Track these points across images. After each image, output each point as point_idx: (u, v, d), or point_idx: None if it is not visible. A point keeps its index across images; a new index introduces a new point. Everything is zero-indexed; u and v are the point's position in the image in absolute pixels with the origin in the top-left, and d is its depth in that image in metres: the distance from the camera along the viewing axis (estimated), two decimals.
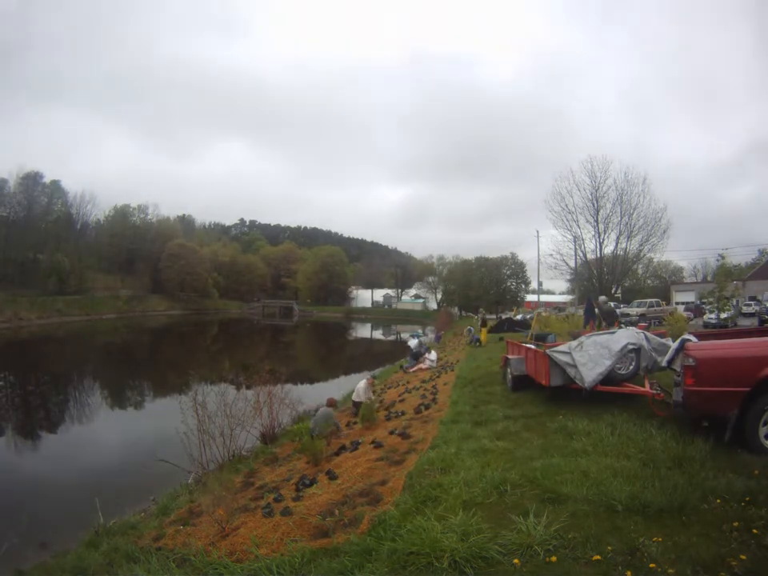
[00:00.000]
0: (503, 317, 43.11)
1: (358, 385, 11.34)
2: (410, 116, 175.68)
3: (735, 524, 2.89)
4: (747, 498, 3.16)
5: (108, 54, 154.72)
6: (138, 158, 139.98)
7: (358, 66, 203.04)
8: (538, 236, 38.69)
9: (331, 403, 9.57)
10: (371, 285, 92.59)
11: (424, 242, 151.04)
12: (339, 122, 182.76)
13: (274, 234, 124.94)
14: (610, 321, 11.75)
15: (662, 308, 31.67)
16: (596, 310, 12.90)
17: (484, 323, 23.75)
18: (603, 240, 33.81)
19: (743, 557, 2.55)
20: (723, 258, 24.78)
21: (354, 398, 10.96)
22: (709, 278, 46.17)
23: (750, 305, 30.12)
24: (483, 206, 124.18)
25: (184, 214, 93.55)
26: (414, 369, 16.91)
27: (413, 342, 20.32)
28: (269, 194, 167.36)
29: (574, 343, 7.14)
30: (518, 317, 37.19)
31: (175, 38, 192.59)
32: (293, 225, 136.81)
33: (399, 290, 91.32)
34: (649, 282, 50.51)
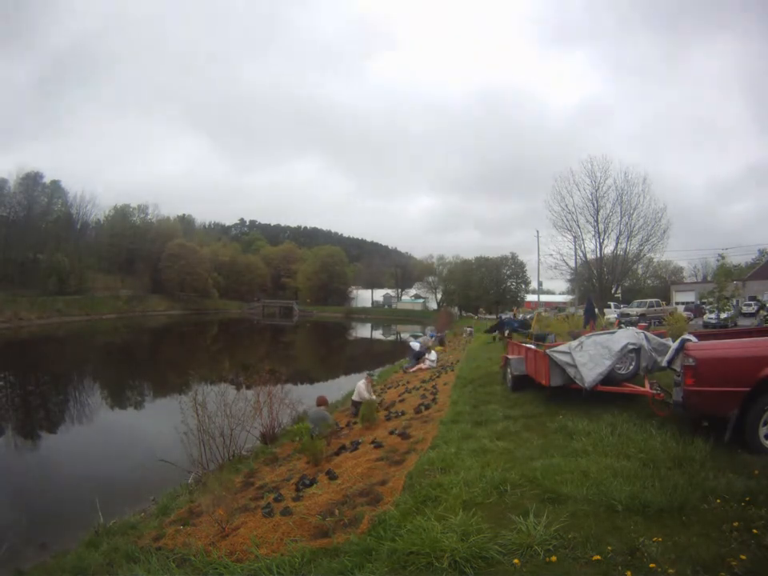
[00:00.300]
0: (503, 317, 43.12)
1: (358, 384, 11.33)
2: (447, 138, 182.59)
3: (735, 524, 2.89)
4: (747, 498, 3.16)
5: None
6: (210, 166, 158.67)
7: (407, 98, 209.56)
8: (537, 236, 38.72)
9: (321, 402, 9.51)
10: (371, 285, 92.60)
11: (448, 246, 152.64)
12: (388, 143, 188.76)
13: (274, 234, 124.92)
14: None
15: (662, 308, 31.65)
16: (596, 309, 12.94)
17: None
18: (603, 240, 33.90)
19: (743, 557, 2.55)
20: (723, 258, 24.73)
21: (354, 397, 10.95)
22: (709, 278, 46.10)
23: (750, 305, 30.13)
24: (503, 216, 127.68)
25: (184, 214, 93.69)
26: (414, 369, 16.92)
27: (415, 344, 20.23)
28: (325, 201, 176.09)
29: (574, 343, 7.14)
30: (518, 317, 37.18)
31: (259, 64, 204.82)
32: (293, 225, 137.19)
33: (399, 290, 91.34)
34: (649, 282, 50.57)
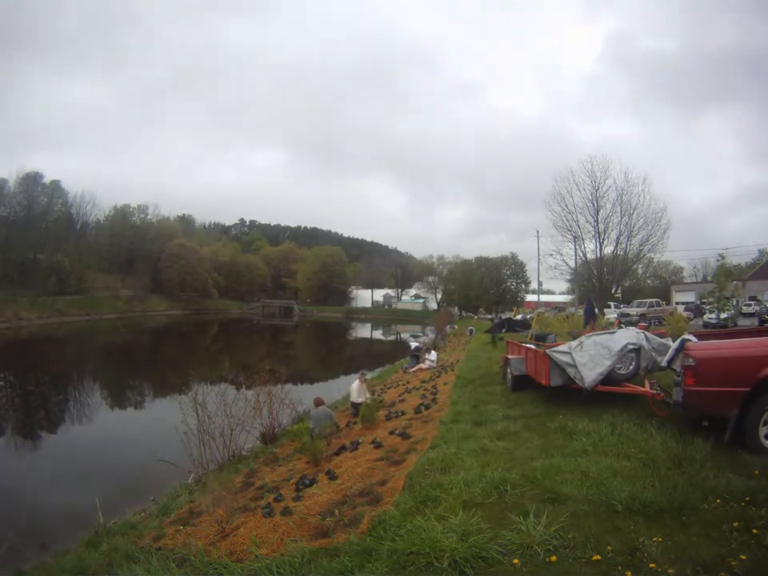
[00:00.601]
0: (503, 317, 43.12)
1: (351, 386, 11.34)
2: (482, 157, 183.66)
3: (735, 524, 2.88)
4: (747, 498, 3.15)
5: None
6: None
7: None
8: (537, 236, 38.70)
9: (319, 402, 9.50)
10: (371, 285, 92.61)
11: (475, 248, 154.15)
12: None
13: (274, 234, 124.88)
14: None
15: (662, 308, 31.64)
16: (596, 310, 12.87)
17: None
18: (603, 240, 33.91)
19: (743, 557, 2.54)
20: (723, 258, 24.65)
21: (352, 399, 10.97)
22: (709, 278, 46.08)
23: (750, 305, 30.11)
24: (520, 224, 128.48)
25: (184, 214, 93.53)
26: (414, 369, 16.93)
27: (414, 343, 20.22)
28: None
29: (574, 343, 7.14)
30: (518, 317, 37.22)
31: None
32: (293, 225, 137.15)
33: (399, 290, 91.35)
34: (649, 281, 50.55)
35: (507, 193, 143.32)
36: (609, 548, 2.79)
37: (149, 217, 77.53)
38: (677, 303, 44.59)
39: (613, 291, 35.86)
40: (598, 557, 2.71)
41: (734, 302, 22.73)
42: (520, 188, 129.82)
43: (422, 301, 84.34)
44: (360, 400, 10.49)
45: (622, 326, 14.99)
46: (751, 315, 26.76)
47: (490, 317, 52.53)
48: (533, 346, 8.80)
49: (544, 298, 53.61)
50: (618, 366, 6.55)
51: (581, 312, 21.13)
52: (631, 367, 6.62)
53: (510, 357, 9.20)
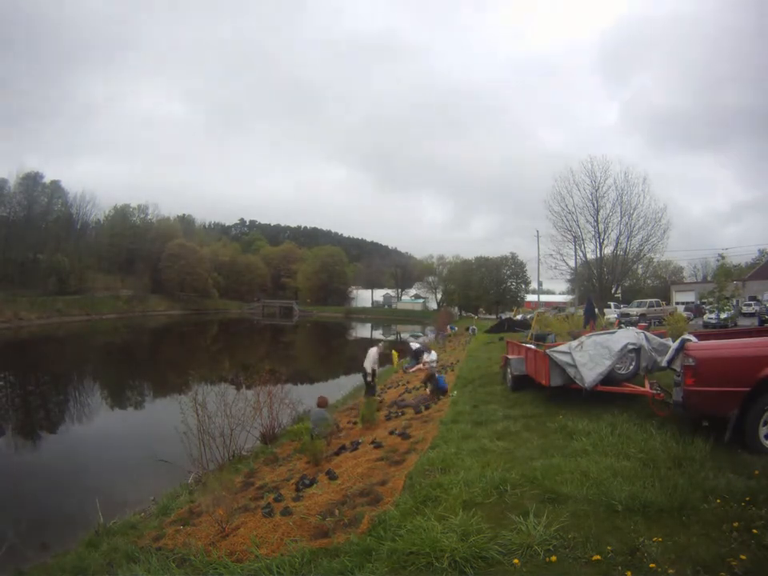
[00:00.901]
0: (503, 317, 43.14)
1: (371, 350, 11.95)
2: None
3: (735, 524, 2.88)
4: (747, 498, 3.15)
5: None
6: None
7: None
8: (537, 236, 38.70)
9: (322, 403, 9.50)
10: (371, 285, 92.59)
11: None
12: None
13: (274, 234, 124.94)
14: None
15: (662, 308, 31.63)
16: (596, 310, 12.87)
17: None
18: (603, 240, 33.87)
19: (743, 557, 2.54)
20: (723, 258, 24.65)
21: (365, 364, 11.64)
22: (709, 278, 46.08)
23: (750, 305, 30.11)
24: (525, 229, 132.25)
25: (184, 214, 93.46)
26: (414, 369, 16.91)
27: (414, 344, 20.24)
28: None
29: (574, 343, 7.14)
30: (518, 317, 37.26)
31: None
32: (293, 225, 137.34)
33: (399, 290, 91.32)
34: (649, 281, 50.51)
35: (518, 201, 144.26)
36: (609, 548, 2.79)
37: (149, 217, 77.68)
38: (677, 303, 44.59)
39: (613, 291, 35.84)
40: (598, 557, 2.71)
41: (734, 302, 22.74)
42: (530, 197, 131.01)
43: (422, 301, 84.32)
44: (370, 368, 11.47)
45: (622, 325, 15.00)
46: (751, 315, 26.76)
47: (491, 316, 52.64)
48: (533, 346, 8.80)
49: (544, 298, 53.62)
50: (618, 365, 6.55)
51: (581, 312, 21.13)
52: (631, 367, 6.62)
53: (510, 357, 9.20)
